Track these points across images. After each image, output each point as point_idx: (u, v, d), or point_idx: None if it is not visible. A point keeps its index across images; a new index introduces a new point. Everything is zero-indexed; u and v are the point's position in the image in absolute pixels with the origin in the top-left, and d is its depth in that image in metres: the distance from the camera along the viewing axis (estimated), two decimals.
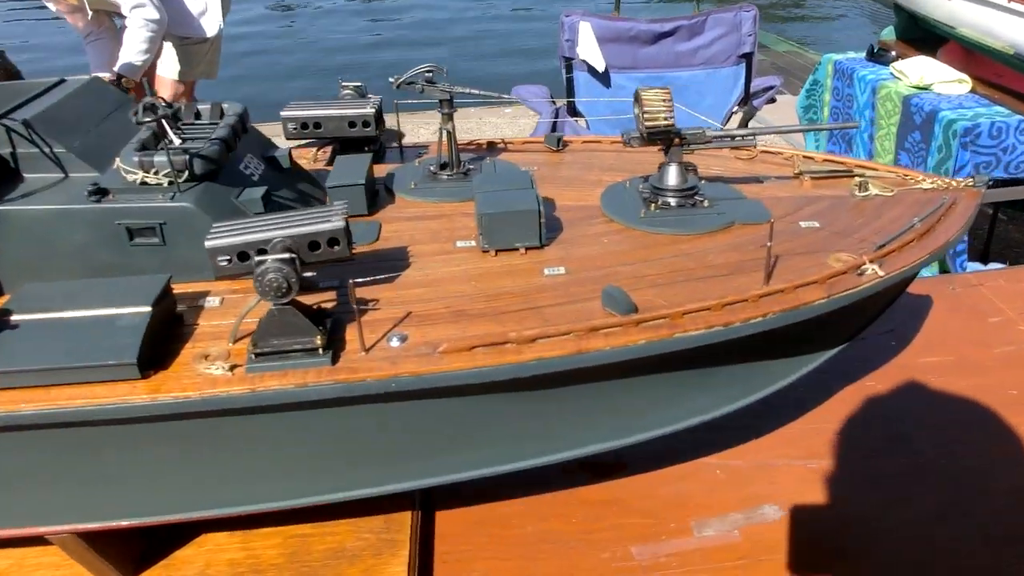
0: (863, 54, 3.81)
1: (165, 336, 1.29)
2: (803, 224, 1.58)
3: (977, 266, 3.64)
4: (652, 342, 1.27)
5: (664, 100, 1.51)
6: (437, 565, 1.61)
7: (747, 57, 3.74)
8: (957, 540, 1.60)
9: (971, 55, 3.78)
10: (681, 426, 1.53)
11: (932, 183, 1.72)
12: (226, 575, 1.56)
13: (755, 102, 3.79)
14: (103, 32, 3.98)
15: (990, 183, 3.21)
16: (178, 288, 1.39)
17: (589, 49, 3.78)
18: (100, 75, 3.93)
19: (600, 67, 3.82)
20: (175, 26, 4.01)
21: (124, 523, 1.39)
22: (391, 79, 1.69)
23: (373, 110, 1.81)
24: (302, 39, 10.72)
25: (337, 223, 1.26)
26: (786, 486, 1.75)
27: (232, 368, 1.22)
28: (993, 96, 3.37)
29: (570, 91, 3.87)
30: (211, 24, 4.06)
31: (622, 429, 1.51)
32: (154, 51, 3.91)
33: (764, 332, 1.34)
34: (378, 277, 1.33)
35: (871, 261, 1.42)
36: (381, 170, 1.85)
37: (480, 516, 1.70)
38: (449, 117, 1.73)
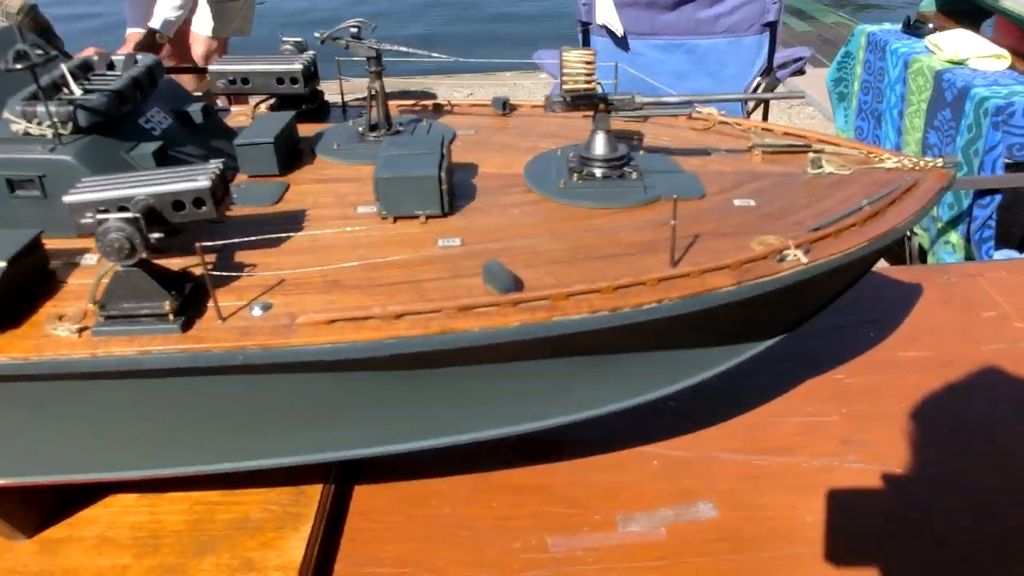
0: (899, 26, 3.57)
1: (26, 294, 1.24)
2: (737, 202, 1.44)
3: (1011, 254, 3.43)
4: (526, 325, 1.16)
5: (586, 62, 1.39)
6: (344, 543, 1.55)
7: (771, 26, 3.55)
8: (910, 556, 1.47)
9: (1022, 31, 3.51)
10: (597, 413, 1.43)
11: (897, 162, 1.56)
12: (125, 538, 1.53)
13: (779, 73, 3.59)
14: None
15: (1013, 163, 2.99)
16: (59, 244, 1.34)
17: (607, 13, 3.64)
18: (135, 30, 3.99)
19: (619, 32, 3.68)
20: None
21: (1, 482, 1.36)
22: (316, 34, 1.61)
23: (301, 66, 1.72)
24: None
25: (201, 183, 1.18)
26: (726, 482, 1.62)
27: (81, 331, 1.17)
28: None
29: None
30: None
31: (533, 413, 1.42)
32: (188, 7, 3.94)
33: (666, 319, 1.23)
34: (236, 240, 1.24)
35: (797, 246, 1.28)
36: (316, 129, 1.77)
37: (400, 494, 1.63)
38: (377, 75, 1.63)
